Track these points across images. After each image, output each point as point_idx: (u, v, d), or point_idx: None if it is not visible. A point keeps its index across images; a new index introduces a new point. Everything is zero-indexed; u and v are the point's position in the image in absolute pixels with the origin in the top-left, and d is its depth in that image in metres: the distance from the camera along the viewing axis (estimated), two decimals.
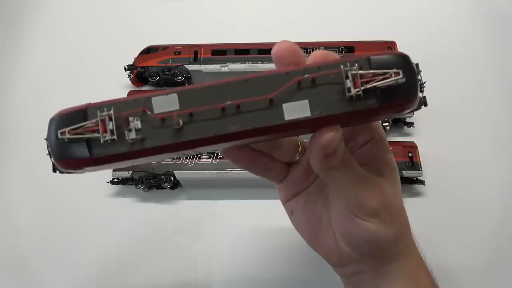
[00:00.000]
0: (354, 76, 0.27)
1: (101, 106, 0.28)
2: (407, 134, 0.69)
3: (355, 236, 0.35)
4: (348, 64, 0.28)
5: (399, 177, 0.37)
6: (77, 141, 0.28)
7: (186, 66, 0.71)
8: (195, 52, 0.72)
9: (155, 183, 0.64)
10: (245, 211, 0.63)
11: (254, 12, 0.81)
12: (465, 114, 0.70)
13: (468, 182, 0.65)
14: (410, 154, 0.64)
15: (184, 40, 0.73)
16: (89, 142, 0.28)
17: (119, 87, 0.74)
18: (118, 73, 0.73)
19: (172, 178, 0.64)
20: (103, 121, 0.28)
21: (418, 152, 0.65)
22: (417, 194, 0.65)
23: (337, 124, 0.29)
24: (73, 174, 0.31)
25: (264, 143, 0.36)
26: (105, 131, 0.28)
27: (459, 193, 0.64)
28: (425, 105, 0.32)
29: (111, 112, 0.28)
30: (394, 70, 0.27)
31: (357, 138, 0.37)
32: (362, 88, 0.27)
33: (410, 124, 0.69)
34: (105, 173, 0.64)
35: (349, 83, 0.27)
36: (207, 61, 0.71)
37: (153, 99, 0.28)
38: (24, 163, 0.68)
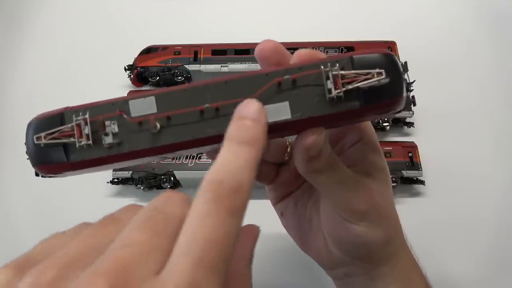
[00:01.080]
0: (335, 76, 0.27)
1: (78, 110, 0.28)
2: (407, 134, 0.68)
3: (343, 239, 0.35)
4: (329, 64, 0.27)
5: (389, 178, 0.37)
6: (53, 146, 0.28)
7: (186, 66, 0.71)
8: (195, 52, 0.72)
9: (155, 183, 0.65)
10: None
11: (254, 12, 0.81)
12: (465, 114, 0.69)
13: (468, 182, 0.64)
14: (410, 154, 0.64)
15: (184, 40, 0.73)
16: (66, 147, 0.28)
17: (119, 87, 0.74)
18: (118, 73, 0.73)
19: (172, 178, 0.64)
20: (78, 125, 0.27)
21: (418, 152, 0.64)
22: (417, 194, 0.64)
23: (320, 126, 0.28)
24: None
25: None
26: (80, 135, 0.27)
27: (459, 193, 0.63)
28: (414, 104, 0.31)
29: (87, 116, 0.27)
30: (377, 70, 0.26)
31: (345, 139, 0.36)
32: (344, 89, 0.26)
33: (410, 124, 0.68)
34: (105, 173, 0.64)
35: (330, 84, 0.27)
36: (207, 61, 0.71)
37: (130, 102, 0.28)
38: (23, 163, 0.68)
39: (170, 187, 0.65)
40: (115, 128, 0.28)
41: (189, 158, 0.64)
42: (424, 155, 0.64)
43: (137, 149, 0.28)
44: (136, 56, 0.73)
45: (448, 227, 0.61)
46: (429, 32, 0.77)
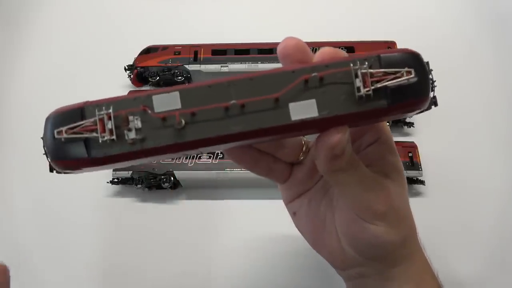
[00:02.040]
0: (364, 75, 0.26)
1: (99, 104, 0.27)
2: (407, 134, 0.69)
3: (360, 239, 0.35)
4: (358, 62, 0.27)
5: (405, 180, 0.37)
6: (74, 140, 0.27)
7: (186, 66, 0.71)
8: (195, 52, 0.72)
9: (155, 183, 0.64)
10: (245, 211, 0.63)
11: (254, 11, 0.81)
12: (465, 114, 0.70)
13: (468, 182, 0.65)
14: (410, 154, 0.64)
15: (184, 40, 0.73)
16: (87, 142, 0.27)
17: (119, 87, 0.73)
18: (118, 73, 0.72)
19: (172, 178, 0.64)
20: (101, 120, 0.27)
21: (418, 152, 0.64)
22: (417, 194, 0.65)
23: (345, 125, 0.28)
24: (72, 174, 0.30)
25: (267, 143, 0.36)
26: (103, 130, 0.27)
27: (459, 193, 0.64)
28: (435, 105, 0.31)
29: (110, 111, 0.27)
30: (406, 69, 0.26)
31: (363, 138, 0.36)
32: (372, 87, 0.26)
33: (410, 124, 0.68)
34: (105, 173, 0.64)
35: (358, 82, 0.27)
36: (207, 61, 0.71)
37: (154, 97, 0.27)
38: (23, 163, 0.68)
39: (170, 187, 0.64)
40: (138, 123, 0.27)
41: (189, 158, 0.63)
42: (424, 155, 0.64)
43: (160, 145, 0.27)
44: (136, 56, 0.73)
45: (448, 227, 0.61)
46: (429, 32, 0.77)
